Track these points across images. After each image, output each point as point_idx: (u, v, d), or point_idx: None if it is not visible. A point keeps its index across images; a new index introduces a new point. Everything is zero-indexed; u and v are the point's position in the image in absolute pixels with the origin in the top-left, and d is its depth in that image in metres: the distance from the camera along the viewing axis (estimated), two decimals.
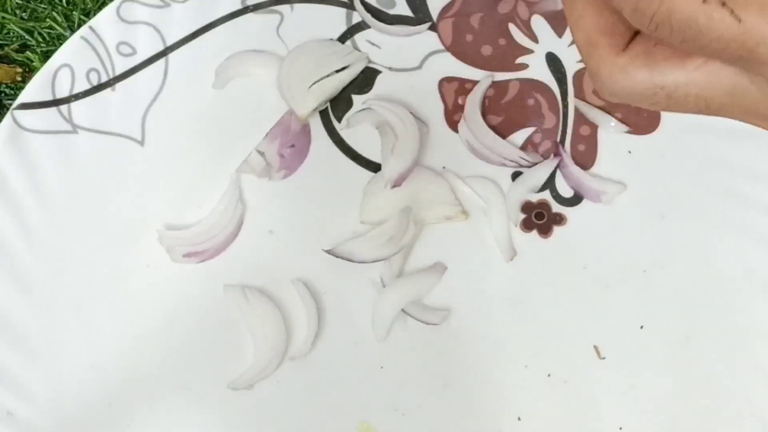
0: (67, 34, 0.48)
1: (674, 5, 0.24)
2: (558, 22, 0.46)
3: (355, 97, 0.46)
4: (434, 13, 0.46)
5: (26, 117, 0.45)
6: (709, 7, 0.23)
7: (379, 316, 0.44)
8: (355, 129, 0.46)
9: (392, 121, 0.45)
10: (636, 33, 0.28)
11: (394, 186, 0.44)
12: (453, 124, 0.46)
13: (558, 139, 0.46)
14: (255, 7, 0.46)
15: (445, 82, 0.46)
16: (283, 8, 0.46)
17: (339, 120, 0.46)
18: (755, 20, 0.23)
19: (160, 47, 0.46)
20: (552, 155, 0.46)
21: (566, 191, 0.46)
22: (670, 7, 0.24)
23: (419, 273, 0.45)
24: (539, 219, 0.45)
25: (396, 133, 0.45)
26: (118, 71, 0.46)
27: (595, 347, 0.43)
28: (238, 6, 0.46)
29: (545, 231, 0.45)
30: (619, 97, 0.27)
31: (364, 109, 0.46)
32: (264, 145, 0.45)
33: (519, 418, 0.44)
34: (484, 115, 0.46)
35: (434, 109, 0.46)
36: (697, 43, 0.24)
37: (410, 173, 0.45)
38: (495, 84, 0.46)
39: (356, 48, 0.46)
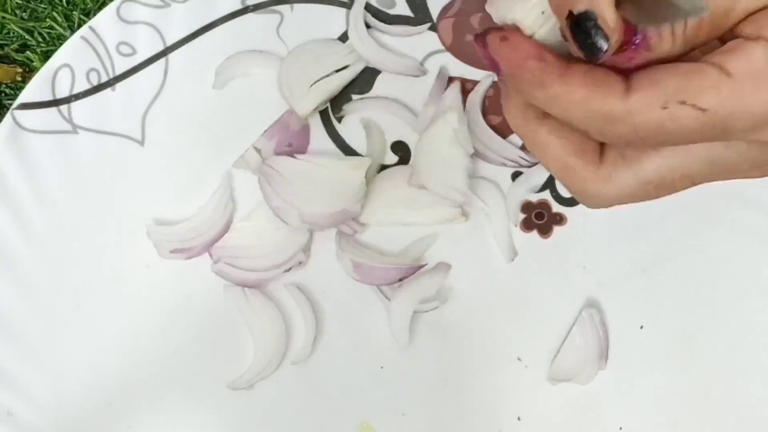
0: (67, 34, 0.48)
1: (637, 122, 0.24)
2: None
3: (355, 97, 0.46)
4: (434, 13, 0.46)
5: (26, 117, 0.45)
6: (671, 110, 0.24)
7: (396, 327, 0.44)
8: (354, 129, 0.46)
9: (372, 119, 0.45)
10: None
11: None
12: None
13: None
14: (255, 7, 0.46)
15: None
16: (283, 8, 0.46)
17: (339, 120, 0.46)
18: (716, 103, 0.24)
19: (160, 47, 0.46)
20: None
21: (566, 191, 0.45)
22: (634, 124, 0.24)
23: (421, 274, 0.44)
24: (539, 219, 0.45)
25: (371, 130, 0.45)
26: (118, 71, 0.46)
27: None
28: (238, 6, 0.46)
29: (545, 231, 0.45)
30: (611, 205, 0.28)
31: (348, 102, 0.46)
32: (261, 142, 0.45)
33: (519, 418, 0.44)
34: (484, 115, 0.46)
35: None
36: (671, 143, 0.25)
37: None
38: (495, 84, 0.46)
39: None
